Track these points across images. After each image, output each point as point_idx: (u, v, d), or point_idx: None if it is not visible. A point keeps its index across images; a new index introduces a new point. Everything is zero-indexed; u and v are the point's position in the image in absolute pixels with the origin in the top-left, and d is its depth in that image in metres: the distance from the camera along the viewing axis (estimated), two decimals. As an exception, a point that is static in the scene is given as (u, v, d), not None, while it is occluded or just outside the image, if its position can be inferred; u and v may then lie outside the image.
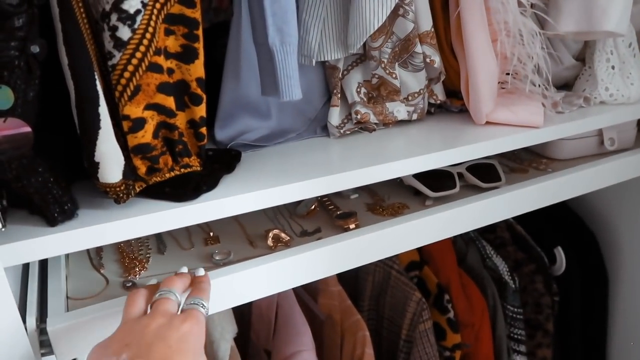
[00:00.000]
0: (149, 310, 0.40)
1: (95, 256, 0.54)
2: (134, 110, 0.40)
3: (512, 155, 0.78)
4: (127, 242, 0.56)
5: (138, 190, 0.44)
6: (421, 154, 0.55)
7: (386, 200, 0.65)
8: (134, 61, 0.39)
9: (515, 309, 0.90)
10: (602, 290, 1.04)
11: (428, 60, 0.59)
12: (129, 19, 0.38)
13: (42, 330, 0.43)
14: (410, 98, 0.62)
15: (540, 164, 0.74)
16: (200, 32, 0.43)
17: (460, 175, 0.67)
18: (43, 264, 0.51)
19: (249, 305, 0.84)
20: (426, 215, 0.56)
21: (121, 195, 0.42)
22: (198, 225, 0.60)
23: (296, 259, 0.50)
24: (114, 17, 0.38)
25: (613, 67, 0.68)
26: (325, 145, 0.60)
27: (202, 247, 0.56)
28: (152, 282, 0.44)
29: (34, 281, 0.47)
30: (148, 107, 0.41)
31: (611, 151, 0.75)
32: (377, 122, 0.62)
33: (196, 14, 0.42)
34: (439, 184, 0.65)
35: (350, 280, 0.90)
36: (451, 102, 0.67)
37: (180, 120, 0.44)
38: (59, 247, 0.40)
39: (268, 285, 0.50)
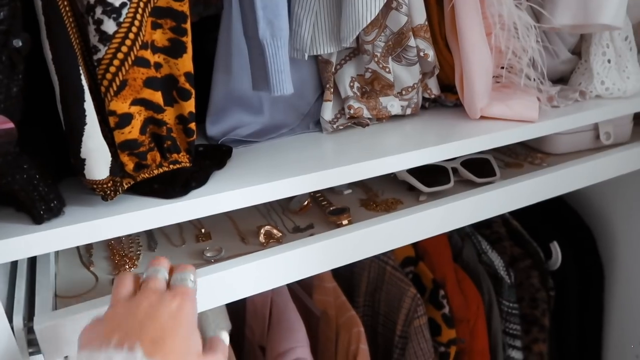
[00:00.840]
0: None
1: (85, 253, 0.54)
2: (120, 105, 0.39)
3: (507, 150, 0.77)
4: (117, 239, 0.56)
5: (126, 187, 0.43)
6: (415, 149, 0.54)
7: (380, 195, 0.64)
8: (120, 55, 0.38)
9: (511, 304, 0.90)
10: (598, 285, 1.04)
11: (422, 54, 0.58)
12: (114, 12, 0.37)
13: (29, 329, 0.42)
14: (404, 92, 0.61)
15: (536, 158, 0.73)
16: (188, 26, 0.42)
17: (454, 170, 0.66)
18: (32, 261, 0.50)
19: (243, 302, 0.83)
20: (419, 210, 0.56)
21: (108, 192, 0.41)
22: (189, 221, 0.59)
23: (287, 255, 0.50)
24: (98, 10, 0.37)
25: (609, 61, 0.67)
26: (318, 141, 0.59)
27: (193, 243, 0.55)
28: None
29: (22, 279, 0.47)
30: (135, 102, 0.40)
31: (607, 145, 0.75)
32: (370, 117, 0.61)
33: (184, 6, 0.41)
34: (433, 179, 0.64)
35: (346, 276, 0.90)
36: (446, 97, 0.66)
37: (169, 115, 0.44)
38: (45, 245, 0.39)
39: (259, 282, 0.49)
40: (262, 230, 0.55)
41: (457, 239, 0.93)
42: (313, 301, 0.85)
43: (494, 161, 0.69)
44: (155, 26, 0.41)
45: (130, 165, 0.42)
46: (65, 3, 0.37)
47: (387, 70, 0.59)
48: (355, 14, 0.53)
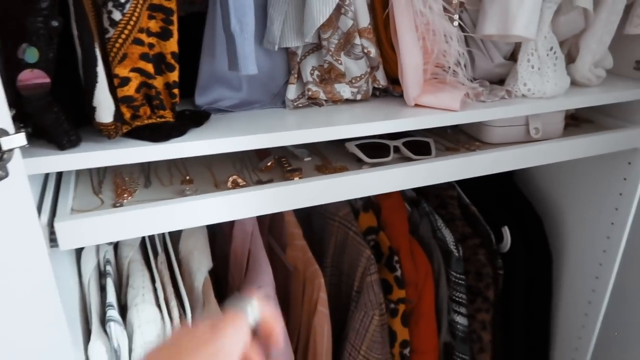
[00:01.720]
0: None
1: (96, 185, 0.71)
2: (122, 71, 0.56)
3: (452, 137, 0.91)
4: (122, 177, 0.73)
5: (124, 131, 0.60)
6: (357, 122, 0.70)
7: (332, 163, 0.80)
8: (123, 36, 0.55)
9: (458, 275, 1.03)
10: (546, 268, 1.16)
11: (365, 50, 0.74)
12: (120, 6, 0.54)
13: (51, 227, 0.60)
14: (353, 81, 0.77)
15: (472, 145, 0.87)
16: (174, 18, 0.59)
17: (397, 148, 0.81)
18: (58, 183, 0.68)
19: (227, 254, 1.00)
20: (350, 174, 0.71)
21: (112, 133, 0.59)
22: (177, 168, 0.76)
23: (242, 195, 0.66)
24: (110, 4, 0.54)
25: (533, 67, 0.81)
26: (282, 114, 0.75)
27: (178, 185, 0.72)
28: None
29: (50, 193, 0.64)
30: (132, 70, 0.57)
31: (537, 140, 0.88)
32: (326, 99, 0.77)
33: (172, 4, 0.58)
34: (376, 153, 0.79)
35: (316, 239, 1.06)
36: (393, 88, 0.81)
37: (158, 82, 0.61)
38: (65, 164, 0.57)
39: (219, 213, 0.66)
40: (230, 179, 0.71)
41: (417, 216, 1.08)
42: (286, 257, 1.01)
43: (433, 144, 0.84)
44: (150, 17, 0.58)
45: (127, 115, 0.59)
46: (89, -1, 0.54)
47: (340, 62, 0.74)
48: (311, 17, 0.69)
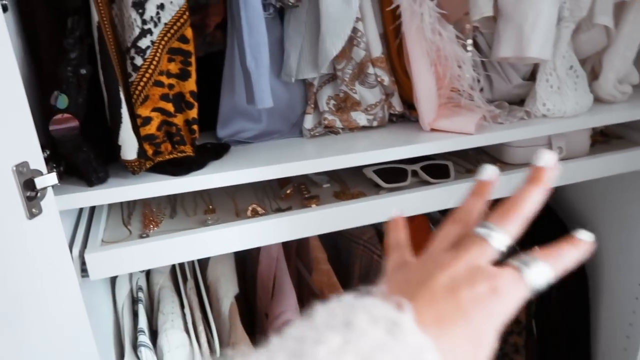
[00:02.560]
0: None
1: (126, 216, 0.76)
2: (144, 111, 0.60)
3: (472, 159, 0.91)
4: (150, 209, 0.77)
5: (148, 166, 0.64)
6: (374, 149, 0.72)
7: (351, 189, 0.81)
8: (144, 79, 0.59)
9: (487, 298, 1.01)
10: (581, 288, 1.12)
11: (379, 79, 0.75)
12: (141, 52, 0.59)
13: (82, 258, 0.64)
14: (369, 109, 0.78)
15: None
16: (192, 60, 0.63)
17: (415, 172, 0.82)
18: (91, 216, 0.73)
19: (254, 278, 1.03)
20: (366, 200, 0.73)
21: (136, 169, 0.63)
22: (202, 199, 0.79)
23: (261, 224, 0.68)
24: (132, 51, 0.59)
25: (552, 86, 0.80)
26: (300, 143, 0.78)
27: (202, 215, 0.76)
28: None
29: (83, 226, 0.69)
30: (154, 109, 0.61)
31: (562, 159, 0.86)
32: (342, 127, 0.79)
33: (190, 47, 0.62)
34: (393, 177, 0.80)
35: (343, 262, 1.07)
36: (410, 113, 0.82)
37: (178, 119, 0.64)
38: (93, 200, 0.61)
39: (240, 241, 0.68)
40: (250, 208, 0.74)
41: (443, 237, 1.07)
42: (312, 280, 1.02)
43: (452, 166, 0.84)
44: (170, 60, 0.62)
45: (150, 152, 0.63)
46: (113, 48, 0.59)
47: (354, 91, 0.76)
48: (325, 50, 0.72)
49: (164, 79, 0.61)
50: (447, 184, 0.78)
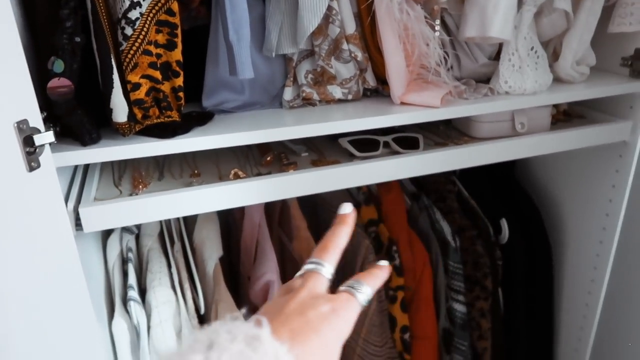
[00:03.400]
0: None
1: (117, 178, 0.81)
2: (133, 77, 0.66)
3: (443, 133, 0.97)
4: (139, 172, 0.83)
5: (137, 129, 0.70)
6: (348, 119, 0.78)
7: (327, 158, 0.88)
8: (134, 48, 0.65)
9: (455, 265, 1.09)
10: (545, 258, 1.20)
11: (353, 55, 0.81)
12: (131, 22, 0.64)
13: (77, 213, 0.70)
14: (344, 83, 0.84)
15: (461, 140, 0.93)
16: (179, 32, 0.68)
17: (386, 143, 0.88)
18: (84, 178, 0.79)
19: (238, 243, 1.09)
20: (339, 167, 0.79)
21: (126, 131, 0.68)
22: (188, 165, 0.85)
23: (241, 186, 0.75)
24: (123, 21, 0.64)
25: (514, 66, 0.87)
26: (280, 113, 0.84)
27: (187, 178, 0.82)
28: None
29: (76, 185, 0.75)
30: (142, 76, 0.67)
31: (523, 134, 0.93)
32: (319, 99, 0.85)
33: (176, 19, 0.68)
34: (366, 147, 0.87)
35: (323, 232, 1.13)
36: (383, 88, 0.88)
37: (165, 87, 0.70)
38: (86, 157, 0.67)
39: (220, 201, 0.74)
40: (232, 172, 0.80)
41: (416, 209, 1.14)
42: (293, 247, 1.09)
43: (421, 139, 0.90)
44: (157, 31, 0.67)
45: (139, 115, 0.69)
46: (104, 17, 0.64)
47: (330, 66, 0.82)
48: (302, 26, 0.77)
49: (152, 48, 0.67)
50: (415, 154, 0.85)
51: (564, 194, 1.19)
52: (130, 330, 0.85)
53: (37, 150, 0.60)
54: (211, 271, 0.95)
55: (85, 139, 0.67)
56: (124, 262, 0.94)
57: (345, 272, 1.07)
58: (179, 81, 0.70)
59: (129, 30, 0.64)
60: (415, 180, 1.20)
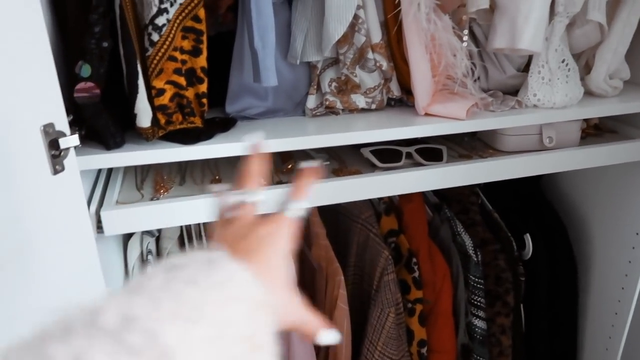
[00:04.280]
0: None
1: (139, 182, 0.82)
2: (158, 83, 0.67)
3: (468, 145, 0.95)
4: (161, 176, 0.84)
5: (160, 134, 0.70)
6: (371, 129, 0.77)
7: (348, 167, 0.87)
8: (160, 54, 0.65)
9: (477, 279, 1.07)
10: (571, 275, 1.16)
11: (378, 64, 0.80)
12: (158, 29, 0.64)
13: (98, 215, 0.71)
14: (368, 92, 0.83)
15: (486, 153, 0.91)
16: (204, 38, 0.68)
17: (409, 154, 0.87)
18: (107, 181, 0.79)
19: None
20: (361, 177, 0.78)
21: (149, 136, 0.69)
22: (210, 170, 0.86)
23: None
24: (150, 28, 0.65)
25: (543, 78, 0.84)
26: (303, 121, 0.83)
27: (208, 184, 0.82)
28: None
29: (99, 188, 0.76)
30: (167, 82, 0.67)
31: (551, 148, 0.91)
32: (342, 108, 0.84)
33: (202, 26, 0.68)
34: (388, 158, 0.85)
35: (342, 240, 1.12)
36: (407, 98, 0.87)
37: (189, 93, 0.70)
38: (110, 161, 0.67)
39: (241, 208, 0.74)
40: (253, 179, 0.80)
41: (438, 220, 1.12)
42: (312, 255, 1.08)
43: (445, 151, 0.89)
44: (183, 37, 0.67)
45: (162, 121, 0.69)
46: (132, 24, 0.64)
47: (354, 75, 0.81)
48: (328, 34, 0.77)
49: (177, 54, 0.67)
50: (438, 166, 0.83)
51: (593, 211, 1.15)
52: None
53: (62, 153, 0.61)
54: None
55: (110, 143, 0.68)
56: (144, 263, 0.94)
57: (364, 283, 1.04)
58: (203, 87, 0.71)
59: (155, 36, 0.65)
60: (438, 192, 1.19)
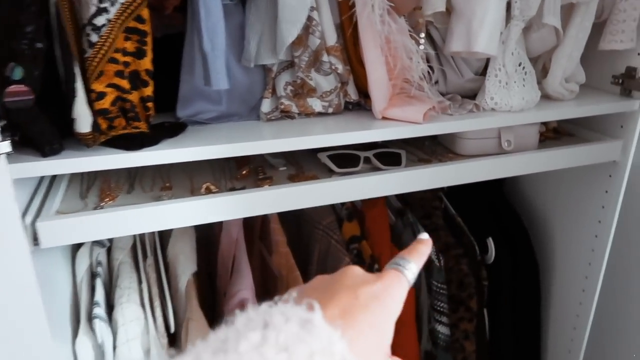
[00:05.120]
0: None
1: (84, 190, 0.78)
2: (98, 86, 0.63)
3: (428, 149, 0.94)
4: (108, 184, 0.79)
5: (102, 140, 0.66)
6: (327, 133, 0.75)
7: (305, 172, 0.84)
8: (99, 55, 0.62)
9: (439, 285, 1.06)
10: (532, 278, 1.17)
11: (333, 67, 0.78)
12: (97, 29, 0.61)
13: (33, 227, 0.66)
14: (324, 95, 0.81)
15: (445, 157, 0.90)
16: (148, 39, 0.65)
17: (367, 159, 0.85)
18: (49, 187, 0.75)
19: (215, 257, 1.05)
20: (316, 183, 0.76)
21: (89, 142, 0.65)
22: (160, 177, 0.82)
23: (212, 201, 0.71)
24: (88, 28, 0.61)
25: (500, 82, 0.84)
26: (258, 126, 0.81)
27: (158, 192, 0.78)
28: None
29: (39, 197, 0.71)
30: (108, 85, 0.64)
31: (510, 152, 0.90)
32: (298, 112, 0.82)
33: (146, 27, 0.64)
34: (345, 163, 0.83)
35: (304, 246, 1.10)
36: (365, 102, 0.85)
37: (133, 96, 0.67)
38: (45, 169, 0.63)
39: (187, 217, 0.71)
40: (204, 186, 0.77)
41: (400, 225, 1.11)
42: (272, 262, 1.05)
43: (404, 155, 0.87)
44: (126, 39, 0.64)
45: (104, 126, 0.65)
46: (70, 24, 0.61)
47: (310, 78, 0.79)
48: (281, 37, 0.74)
49: (119, 56, 0.63)
50: (396, 171, 0.81)
51: (553, 214, 1.16)
52: (95, 349, 0.81)
53: (-10, 160, 0.57)
54: (184, 287, 0.92)
55: (45, 150, 0.63)
56: (93, 276, 0.90)
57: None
58: (148, 91, 0.67)
59: (94, 37, 0.61)
60: (401, 196, 1.17)
